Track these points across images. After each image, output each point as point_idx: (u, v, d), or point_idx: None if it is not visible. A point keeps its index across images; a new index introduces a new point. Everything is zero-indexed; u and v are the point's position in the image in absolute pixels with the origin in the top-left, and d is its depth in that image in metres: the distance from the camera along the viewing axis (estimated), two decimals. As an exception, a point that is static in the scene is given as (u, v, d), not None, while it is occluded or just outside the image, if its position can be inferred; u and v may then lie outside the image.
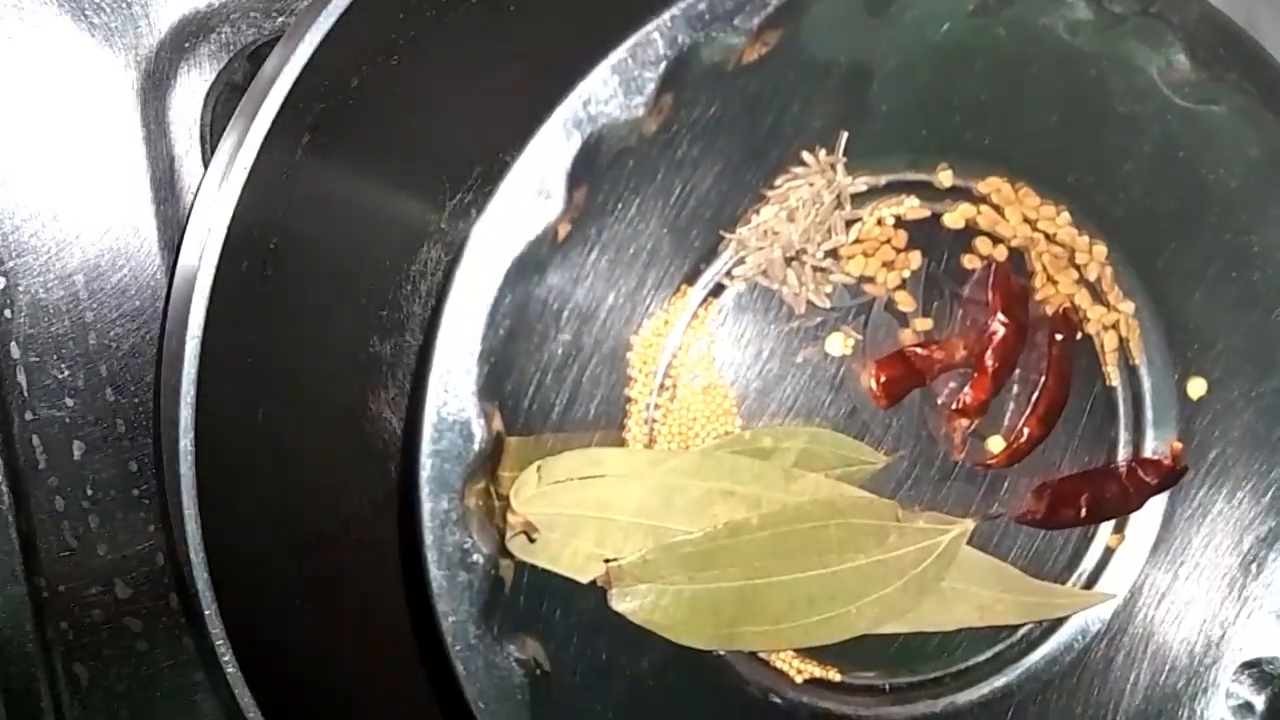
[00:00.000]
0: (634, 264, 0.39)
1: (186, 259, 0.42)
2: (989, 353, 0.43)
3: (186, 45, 0.50)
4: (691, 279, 0.40)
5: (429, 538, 0.36)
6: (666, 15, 0.36)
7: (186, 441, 0.40)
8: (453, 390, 0.36)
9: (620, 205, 0.38)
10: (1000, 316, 0.43)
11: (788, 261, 0.41)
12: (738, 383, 0.41)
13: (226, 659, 0.42)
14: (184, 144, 0.51)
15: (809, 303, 0.41)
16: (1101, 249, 0.43)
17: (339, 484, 0.45)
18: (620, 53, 0.36)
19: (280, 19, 0.51)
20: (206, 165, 0.50)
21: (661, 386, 0.40)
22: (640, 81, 0.36)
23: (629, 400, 0.40)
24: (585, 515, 0.38)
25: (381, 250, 0.44)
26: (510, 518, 0.37)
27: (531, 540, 0.38)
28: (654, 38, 0.36)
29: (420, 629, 0.40)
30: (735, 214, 0.40)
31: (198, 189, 0.49)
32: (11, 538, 0.51)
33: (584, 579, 0.38)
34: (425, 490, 0.36)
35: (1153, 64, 0.41)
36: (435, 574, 0.37)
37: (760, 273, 0.41)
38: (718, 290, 0.41)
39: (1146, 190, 0.43)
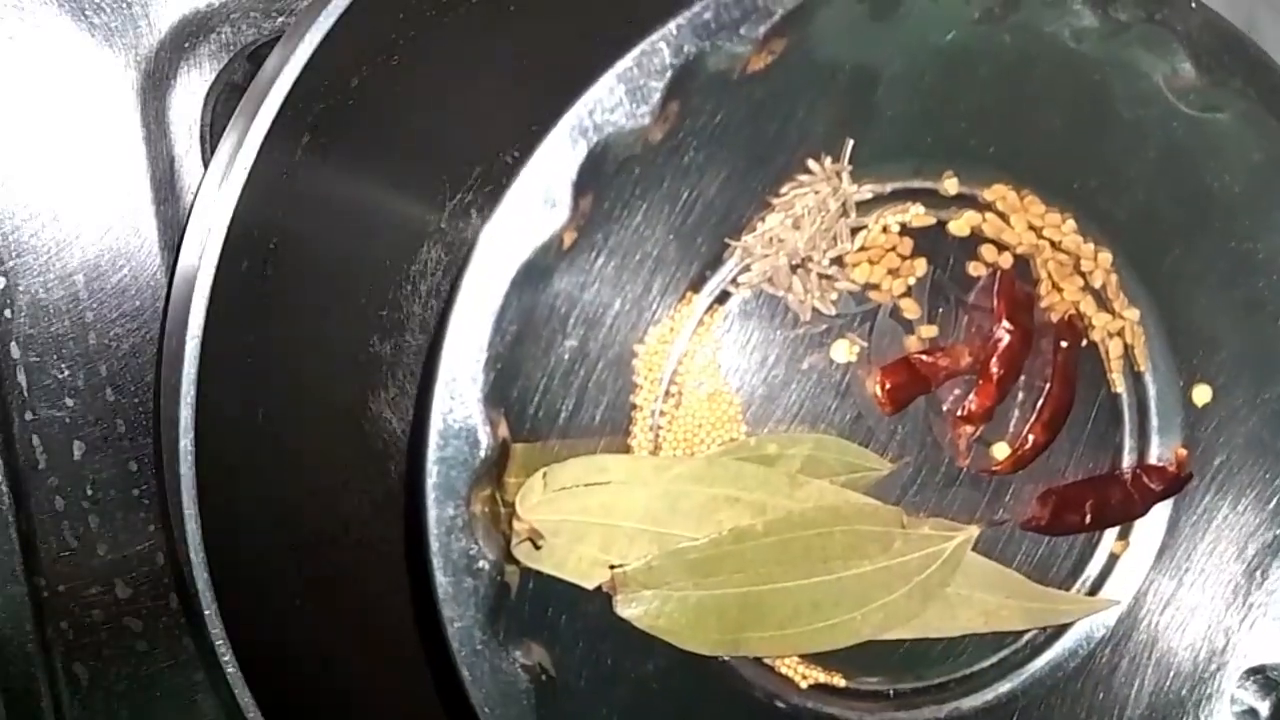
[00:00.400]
0: (640, 271, 0.39)
1: (186, 259, 0.42)
2: (994, 360, 0.43)
3: (186, 45, 0.50)
4: (697, 286, 0.40)
5: (435, 544, 0.36)
6: (672, 24, 0.36)
7: (186, 441, 0.40)
8: (459, 397, 0.36)
9: (626, 212, 0.38)
10: (1005, 323, 0.43)
11: (793, 269, 0.41)
12: (743, 389, 0.41)
13: (226, 659, 0.42)
14: (184, 144, 0.51)
15: (814, 310, 0.41)
16: (1107, 256, 0.43)
17: (339, 484, 0.45)
18: (626, 61, 0.36)
19: (280, 19, 0.51)
20: (206, 165, 0.50)
21: (667, 393, 0.40)
22: (646, 90, 0.36)
23: (634, 407, 0.40)
24: (590, 521, 0.38)
25: (381, 250, 0.44)
26: (516, 524, 0.37)
27: (537, 546, 0.38)
28: (660, 47, 0.36)
29: (425, 633, 0.40)
30: (741, 221, 0.40)
31: (198, 189, 0.49)
32: (11, 538, 0.51)
33: (589, 585, 0.38)
34: (431, 497, 0.36)
35: (1157, 71, 0.41)
36: (441, 580, 0.37)
37: (766, 280, 0.41)
38: (723, 297, 0.41)
39: (1151, 196, 0.43)
